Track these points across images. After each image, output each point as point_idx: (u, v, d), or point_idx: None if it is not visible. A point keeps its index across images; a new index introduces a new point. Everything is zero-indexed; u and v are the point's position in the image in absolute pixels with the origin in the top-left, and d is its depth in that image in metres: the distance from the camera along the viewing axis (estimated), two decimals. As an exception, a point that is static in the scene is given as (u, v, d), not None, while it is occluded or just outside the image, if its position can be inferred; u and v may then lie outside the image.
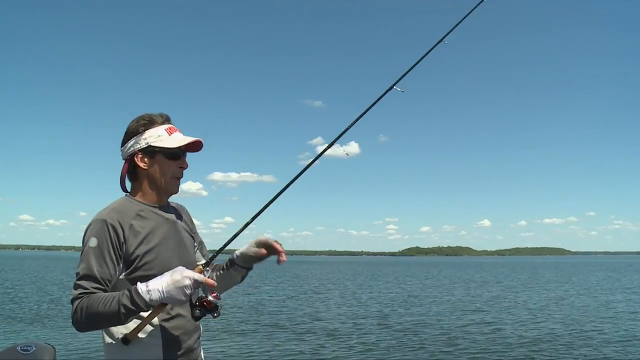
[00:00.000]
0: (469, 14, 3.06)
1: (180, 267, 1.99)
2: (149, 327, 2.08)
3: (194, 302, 2.10)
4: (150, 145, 2.20)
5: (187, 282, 1.93)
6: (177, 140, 2.23)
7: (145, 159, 2.21)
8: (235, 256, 2.50)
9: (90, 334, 9.29)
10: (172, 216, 2.31)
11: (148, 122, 2.23)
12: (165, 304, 2.02)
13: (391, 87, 2.62)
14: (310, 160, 2.58)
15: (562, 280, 39.86)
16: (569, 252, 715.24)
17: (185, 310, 2.15)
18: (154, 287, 1.92)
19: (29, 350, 2.69)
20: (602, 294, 26.03)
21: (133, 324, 2.04)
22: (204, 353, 2.37)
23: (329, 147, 2.64)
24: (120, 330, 2.06)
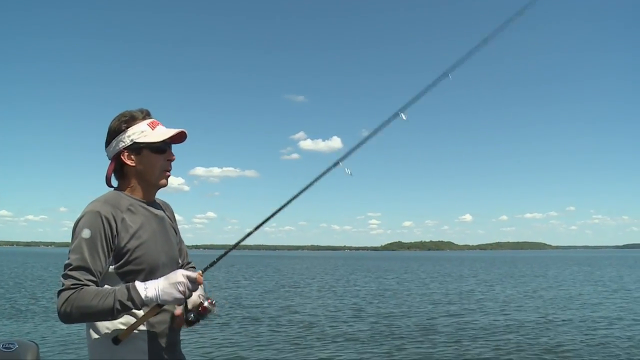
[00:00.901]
0: (477, 46, 2.61)
1: (178, 270, 2.04)
2: (134, 321, 2.09)
3: (189, 307, 2.18)
4: (135, 142, 2.20)
5: (181, 278, 1.97)
6: (161, 133, 2.24)
7: (132, 156, 2.22)
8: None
9: (74, 330, 9.54)
10: (161, 212, 2.34)
11: (129, 119, 2.23)
12: (161, 306, 2.05)
13: (396, 114, 2.55)
14: (314, 179, 2.60)
15: (537, 274, 40.67)
16: (550, 246, 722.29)
17: (170, 306, 2.15)
18: (150, 285, 1.96)
19: (11, 348, 2.66)
20: (571, 286, 26.78)
21: (120, 323, 2.07)
22: (181, 346, 2.40)
23: (333, 166, 2.57)
24: (106, 326, 2.07)
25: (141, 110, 2.29)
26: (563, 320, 14.08)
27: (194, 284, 2.01)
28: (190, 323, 2.20)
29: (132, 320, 2.07)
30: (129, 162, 2.21)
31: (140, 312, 2.08)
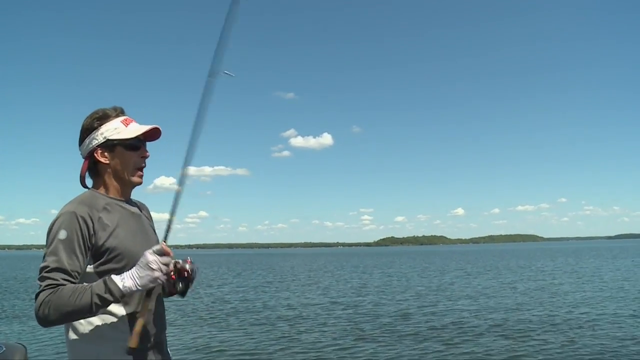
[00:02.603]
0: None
1: (144, 252, 2.01)
2: (116, 322, 2.07)
3: (171, 280, 2.11)
4: (108, 139, 2.18)
5: (150, 257, 1.96)
6: (134, 130, 2.21)
7: (106, 154, 2.20)
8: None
9: (62, 332, 10.13)
10: (137, 209, 2.32)
11: (102, 116, 2.21)
12: (149, 294, 2.09)
13: (212, 74, 2.30)
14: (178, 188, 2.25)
15: (522, 265, 41.49)
16: (542, 238, 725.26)
17: (151, 304, 2.13)
18: (126, 275, 1.95)
19: None
20: (548, 278, 27.52)
21: (99, 319, 2.05)
22: (167, 346, 2.39)
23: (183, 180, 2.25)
24: (85, 327, 2.05)
25: (115, 108, 2.26)
26: (528, 309, 14.76)
27: (163, 256, 2.00)
28: (183, 293, 2.17)
29: (110, 317, 2.07)
30: (102, 159, 2.20)
31: (121, 311, 2.08)
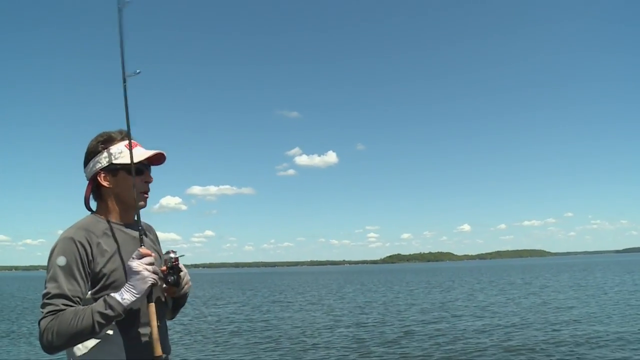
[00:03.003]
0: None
1: (128, 263, 2.05)
2: (110, 340, 2.05)
3: (162, 277, 2.12)
4: (112, 163, 2.19)
5: (134, 264, 2.00)
6: (138, 155, 2.21)
7: (109, 177, 2.21)
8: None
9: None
10: (137, 234, 2.25)
11: (106, 140, 2.23)
12: (152, 303, 2.08)
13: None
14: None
15: (527, 281, 41.34)
16: (549, 253, 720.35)
17: (144, 329, 2.13)
18: (122, 290, 1.97)
19: None
20: (552, 293, 27.49)
21: (110, 349, 2.04)
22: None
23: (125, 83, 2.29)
24: (81, 350, 2.03)
25: (120, 131, 2.27)
26: (529, 324, 14.85)
27: (144, 258, 2.04)
28: (177, 283, 2.17)
29: (104, 337, 2.04)
30: (105, 183, 2.21)
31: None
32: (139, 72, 2.33)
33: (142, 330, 2.13)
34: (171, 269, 2.13)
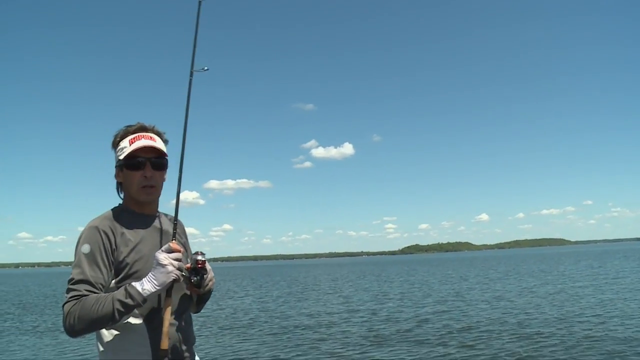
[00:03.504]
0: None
1: (155, 253, 2.10)
2: (135, 330, 2.14)
3: (186, 275, 2.16)
4: (119, 159, 2.27)
5: (161, 256, 2.05)
6: (128, 148, 2.26)
7: (120, 173, 2.31)
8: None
9: (84, 346, 10.43)
10: (164, 225, 2.36)
11: (121, 135, 2.31)
12: (169, 298, 2.13)
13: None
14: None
15: (544, 270, 41.23)
16: (569, 242, 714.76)
17: (173, 304, 2.19)
18: (144, 280, 2.03)
19: None
20: (568, 281, 27.48)
21: (134, 338, 2.14)
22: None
23: (191, 77, 2.48)
24: (107, 337, 2.16)
25: (137, 125, 2.32)
26: (543, 313, 14.98)
27: (172, 253, 2.08)
28: (198, 285, 2.20)
29: (130, 327, 2.14)
30: (118, 178, 2.33)
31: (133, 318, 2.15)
32: (206, 69, 2.51)
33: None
34: (195, 270, 2.17)
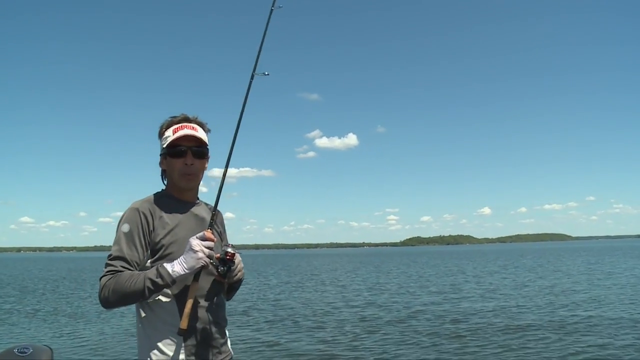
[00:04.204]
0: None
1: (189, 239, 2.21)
2: (169, 309, 2.25)
3: (215, 264, 2.26)
4: (163, 148, 2.42)
5: (194, 242, 2.17)
6: (169, 138, 2.39)
7: (164, 161, 2.45)
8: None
9: (88, 334, 10.75)
10: (201, 212, 2.49)
11: (166, 125, 2.44)
12: (196, 282, 2.22)
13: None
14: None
15: (541, 265, 41.70)
16: (570, 237, 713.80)
17: (200, 288, 2.28)
18: (175, 262, 2.15)
19: (25, 352, 2.69)
20: (562, 277, 27.88)
21: (168, 317, 2.24)
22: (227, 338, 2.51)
23: (251, 79, 2.69)
24: (142, 313, 2.27)
25: (182, 116, 2.46)
26: (531, 307, 15.35)
27: (206, 241, 2.20)
28: (224, 275, 2.30)
29: (165, 305, 2.25)
30: (162, 166, 2.48)
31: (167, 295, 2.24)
32: (267, 74, 2.69)
33: (199, 303, 2.31)
34: (223, 261, 2.26)
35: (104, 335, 12.17)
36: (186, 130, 2.38)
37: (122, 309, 16.39)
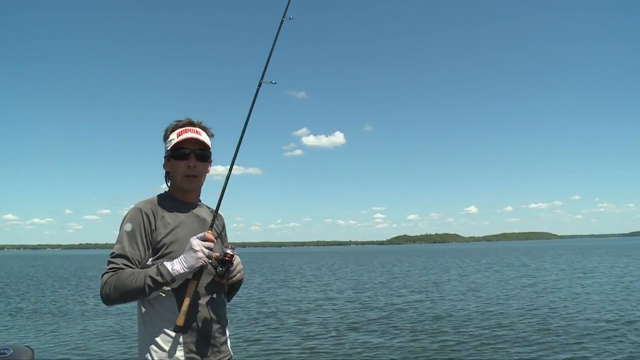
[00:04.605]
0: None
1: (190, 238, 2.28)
2: (169, 307, 2.29)
3: (214, 264, 2.31)
4: (167, 150, 2.49)
5: (194, 242, 2.23)
6: (174, 141, 2.46)
7: (167, 163, 2.52)
8: None
9: (69, 334, 10.71)
10: (202, 214, 2.55)
11: (171, 128, 2.52)
12: (197, 278, 2.28)
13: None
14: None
15: (524, 263, 42.18)
16: (556, 236, 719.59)
17: (199, 287, 2.33)
18: (175, 261, 2.22)
19: (5, 354, 2.68)
20: (543, 275, 28.28)
21: (168, 315, 2.27)
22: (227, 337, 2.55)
23: (259, 87, 2.78)
24: (142, 309, 2.32)
25: (185, 120, 2.53)
26: (510, 305, 15.60)
27: (206, 241, 2.27)
28: (221, 276, 2.35)
29: (166, 303, 2.29)
30: (166, 168, 2.54)
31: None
32: (274, 83, 2.78)
33: (198, 301, 2.35)
34: (222, 261, 2.31)
35: (87, 335, 12.16)
36: (190, 133, 2.46)
37: (106, 307, 16.38)
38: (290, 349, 10.21)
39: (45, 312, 16.30)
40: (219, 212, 2.52)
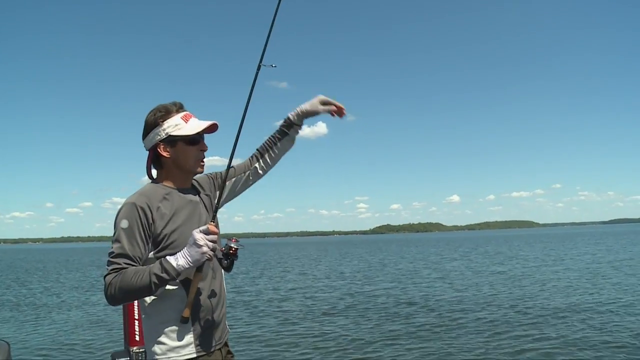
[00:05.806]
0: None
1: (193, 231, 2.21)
2: (174, 298, 2.28)
3: (219, 257, 2.34)
4: (170, 135, 2.36)
5: (197, 235, 2.15)
6: (195, 126, 2.40)
7: (168, 148, 2.38)
8: (292, 117, 2.87)
9: (46, 330, 10.96)
10: (195, 197, 2.48)
11: (165, 113, 2.38)
12: (200, 270, 2.25)
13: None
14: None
15: (500, 252, 43.02)
16: (537, 224, 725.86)
17: (204, 278, 2.35)
18: (179, 255, 2.15)
19: None
20: (516, 263, 29.01)
21: (172, 304, 2.27)
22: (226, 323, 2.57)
23: (258, 70, 2.66)
24: (147, 301, 2.30)
25: (174, 104, 2.43)
26: (477, 292, 16.18)
27: (209, 234, 2.19)
28: (227, 268, 2.40)
29: (169, 295, 2.28)
30: (165, 154, 2.39)
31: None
32: (274, 66, 2.70)
33: (203, 291, 2.37)
34: (226, 255, 2.34)
35: (66, 327, 12.31)
36: (205, 121, 2.46)
37: (86, 299, 16.55)
38: (265, 338, 10.55)
39: (23, 306, 16.43)
40: (202, 177, 2.61)
